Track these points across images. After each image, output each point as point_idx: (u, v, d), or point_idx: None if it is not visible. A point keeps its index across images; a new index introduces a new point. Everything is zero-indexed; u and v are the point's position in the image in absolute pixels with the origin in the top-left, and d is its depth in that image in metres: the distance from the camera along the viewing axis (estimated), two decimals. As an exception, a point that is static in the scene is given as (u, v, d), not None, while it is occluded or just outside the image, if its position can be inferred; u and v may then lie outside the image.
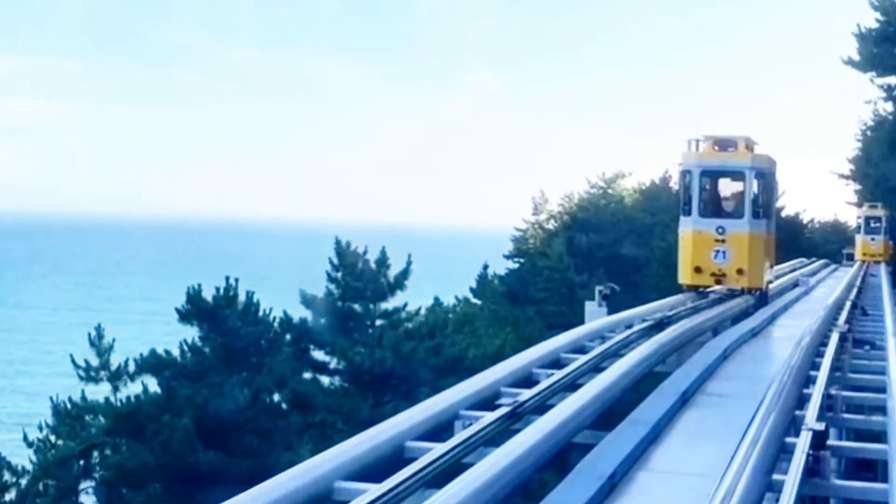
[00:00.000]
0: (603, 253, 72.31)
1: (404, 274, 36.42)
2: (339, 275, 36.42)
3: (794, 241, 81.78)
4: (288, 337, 34.80)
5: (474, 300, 60.05)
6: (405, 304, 36.48)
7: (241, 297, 35.11)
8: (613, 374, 14.04)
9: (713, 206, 25.76)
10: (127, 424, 32.17)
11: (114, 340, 38.56)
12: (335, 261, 36.64)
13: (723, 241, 24.74)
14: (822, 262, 59.73)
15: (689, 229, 25.15)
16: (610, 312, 23.45)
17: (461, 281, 63.49)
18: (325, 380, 35.48)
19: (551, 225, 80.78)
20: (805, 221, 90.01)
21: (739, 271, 24.60)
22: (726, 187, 26.67)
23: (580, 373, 14.49)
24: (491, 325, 47.31)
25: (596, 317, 22.07)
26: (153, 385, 34.94)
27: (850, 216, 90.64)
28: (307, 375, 35.17)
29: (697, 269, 24.68)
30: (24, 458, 35.48)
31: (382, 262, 36.51)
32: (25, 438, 36.22)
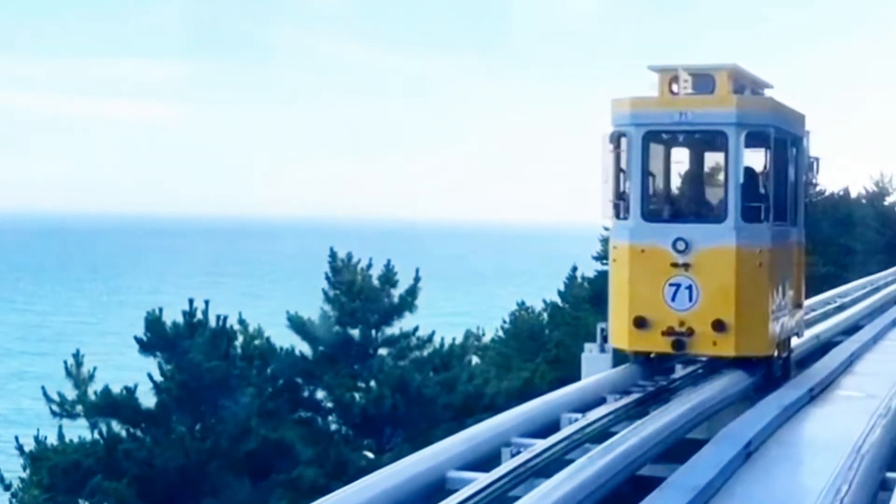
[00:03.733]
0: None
1: (412, 292, 30.15)
2: (337, 293, 30.35)
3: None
4: (269, 371, 28.80)
5: (561, 304, 55.17)
6: (415, 329, 30.23)
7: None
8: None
9: (669, 200, 15.31)
10: (66, 481, 26.56)
11: (94, 369, 33.21)
12: (331, 276, 30.54)
13: (686, 265, 13.90)
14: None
15: (623, 243, 14.49)
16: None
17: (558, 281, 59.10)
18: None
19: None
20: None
21: (718, 325, 13.84)
22: (694, 163, 15.82)
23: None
24: (568, 335, 41.83)
25: (596, 368, 15.55)
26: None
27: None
28: (300, 416, 29.30)
29: (639, 322, 14.07)
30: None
31: (387, 278, 30.30)
32: (2, 479, 30.84)
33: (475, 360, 39.57)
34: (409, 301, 30.03)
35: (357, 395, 28.18)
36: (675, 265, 13.93)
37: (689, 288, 13.90)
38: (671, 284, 13.93)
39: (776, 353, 14.97)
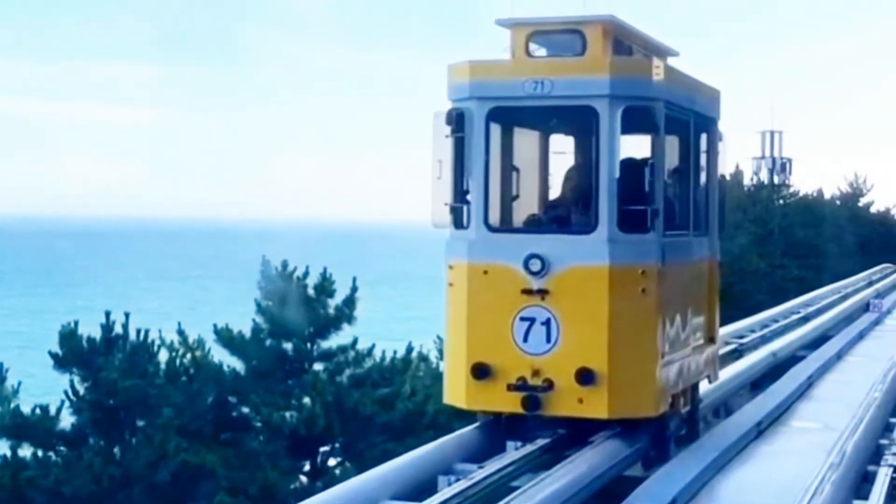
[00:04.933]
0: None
1: (349, 303, 28.18)
2: (269, 304, 28.36)
3: (885, 240, 72.72)
4: (194, 389, 26.80)
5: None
6: (354, 342, 28.25)
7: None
8: None
9: (522, 202, 11.59)
10: (-32, 510, 24.54)
11: (19, 384, 31.25)
12: (264, 285, 28.56)
13: (543, 292, 10.17)
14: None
15: (460, 261, 10.54)
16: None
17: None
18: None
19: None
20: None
21: (584, 375, 10.00)
22: (556, 151, 12.08)
23: None
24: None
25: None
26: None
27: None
28: (226, 438, 27.33)
29: (479, 371, 10.24)
30: None
31: (323, 288, 28.32)
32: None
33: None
34: (346, 312, 28.07)
35: (288, 415, 26.21)
36: (527, 292, 10.16)
37: (547, 323, 10.11)
38: (522, 319, 10.18)
39: (671, 410, 10.82)
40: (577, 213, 10.87)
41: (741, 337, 20.89)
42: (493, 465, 9.51)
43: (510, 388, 10.07)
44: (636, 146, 10.77)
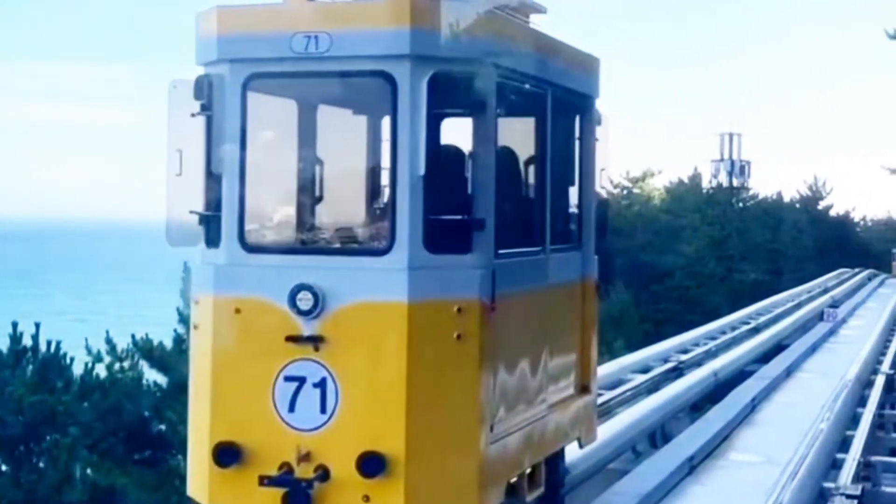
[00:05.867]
0: (624, 260, 63.24)
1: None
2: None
3: (844, 244, 72.09)
4: (109, 403, 25.12)
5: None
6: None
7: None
8: None
9: (291, 210, 8.37)
10: None
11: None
12: (186, 293, 26.91)
13: (316, 340, 7.07)
14: (866, 273, 49.64)
15: (206, 296, 7.46)
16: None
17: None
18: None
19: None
20: (857, 220, 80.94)
21: (370, 462, 6.92)
22: (339, 137, 8.96)
23: None
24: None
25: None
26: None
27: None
28: (142, 457, 25.66)
29: (224, 453, 7.16)
30: None
31: (249, 295, 26.68)
32: None
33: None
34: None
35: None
36: (294, 339, 7.14)
37: (321, 385, 7.08)
38: (288, 378, 7.16)
39: (511, 499, 7.86)
40: (363, 224, 8.01)
41: (684, 352, 19.59)
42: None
43: (265, 481, 7.02)
44: (463, 132, 7.49)
